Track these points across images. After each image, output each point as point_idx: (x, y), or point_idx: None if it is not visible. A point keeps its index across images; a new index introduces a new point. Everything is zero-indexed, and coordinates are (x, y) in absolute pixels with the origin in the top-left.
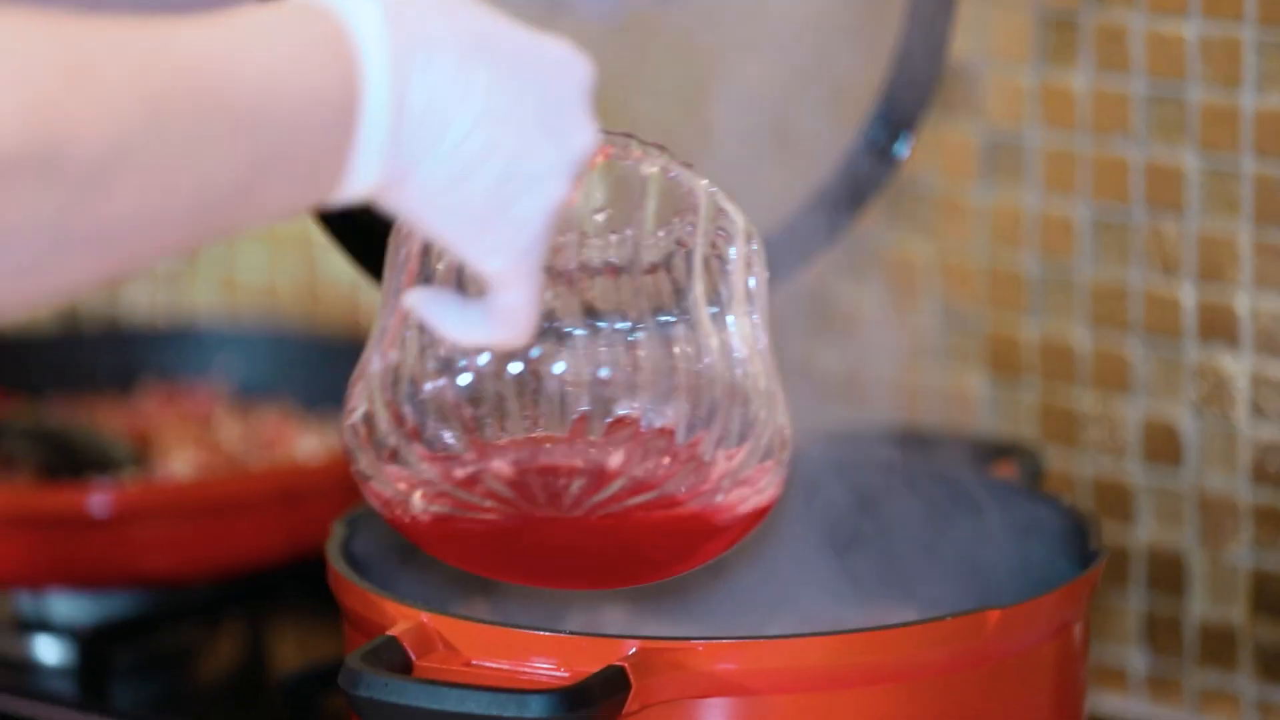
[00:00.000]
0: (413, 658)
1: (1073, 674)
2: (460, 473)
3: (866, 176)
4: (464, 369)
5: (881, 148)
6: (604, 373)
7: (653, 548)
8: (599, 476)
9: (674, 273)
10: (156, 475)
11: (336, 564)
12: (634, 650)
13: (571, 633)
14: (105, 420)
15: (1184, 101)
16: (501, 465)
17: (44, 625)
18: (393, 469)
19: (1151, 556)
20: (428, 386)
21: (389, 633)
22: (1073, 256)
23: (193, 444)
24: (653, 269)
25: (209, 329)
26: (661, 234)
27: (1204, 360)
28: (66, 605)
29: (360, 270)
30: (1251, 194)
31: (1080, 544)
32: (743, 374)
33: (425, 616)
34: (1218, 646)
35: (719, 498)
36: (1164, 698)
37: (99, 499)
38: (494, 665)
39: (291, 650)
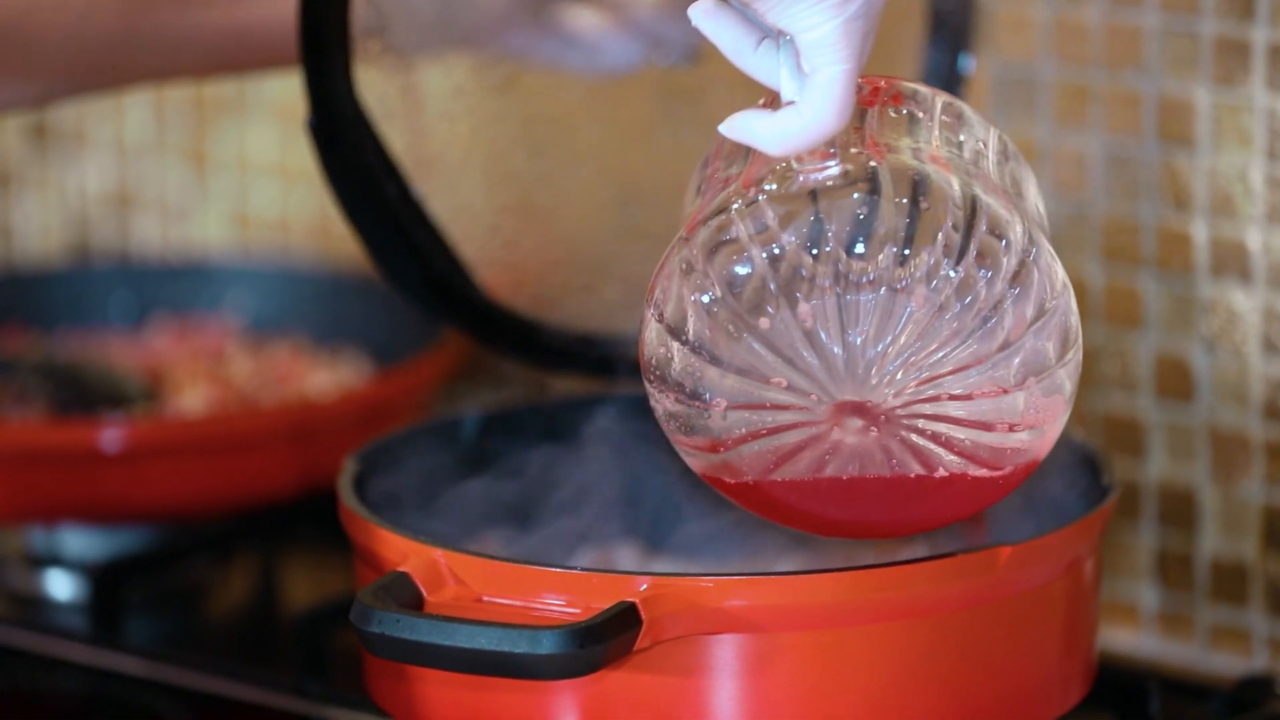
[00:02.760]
0: (424, 594)
1: (1084, 610)
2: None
3: None
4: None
5: (945, 72)
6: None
7: (939, 493)
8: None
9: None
10: (168, 411)
11: (348, 500)
12: (645, 587)
13: (583, 569)
14: (117, 356)
15: (1197, 35)
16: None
17: (56, 561)
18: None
19: (1163, 492)
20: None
21: (400, 569)
22: (1085, 191)
23: (204, 380)
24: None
25: (221, 264)
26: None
27: (1216, 296)
28: (78, 541)
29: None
30: (1264, 128)
31: (1092, 480)
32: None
33: (436, 553)
34: (1229, 582)
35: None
36: (1175, 633)
37: (110, 434)
38: (506, 602)
39: (303, 586)
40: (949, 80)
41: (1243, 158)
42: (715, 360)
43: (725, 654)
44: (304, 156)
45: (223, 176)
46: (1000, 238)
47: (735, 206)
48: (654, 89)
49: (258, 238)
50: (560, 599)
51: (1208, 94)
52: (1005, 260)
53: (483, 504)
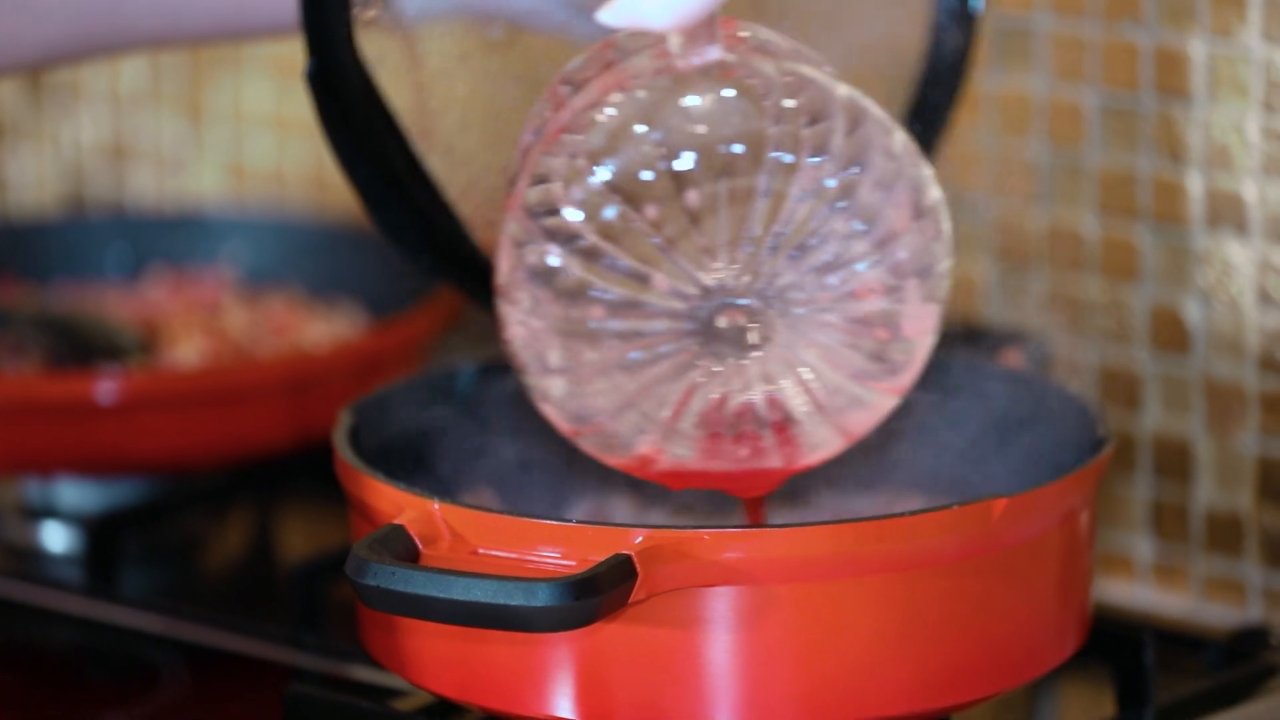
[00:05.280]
0: (419, 546)
1: (1079, 562)
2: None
3: (952, 54)
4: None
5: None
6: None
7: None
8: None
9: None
10: (164, 363)
11: (343, 453)
12: (641, 539)
13: (579, 522)
14: (112, 308)
15: None
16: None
17: (51, 512)
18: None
19: (1158, 444)
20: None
21: (396, 521)
22: (1081, 143)
23: (200, 331)
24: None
25: (216, 216)
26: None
27: (1211, 247)
28: (74, 493)
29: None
30: (1261, 80)
31: (1087, 431)
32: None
33: (432, 505)
34: (1224, 534)
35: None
36: (1170, 585)
37: (106, 386)
38: (501, 554)
39: (299, 538)
40: (960, 18)
41: (1239, 110)
42: (601, 259)
43: (721, 606)
44: (299, 108)
45: (218, 128)
46: (884, 138)
47: (612, 106)
48: None
49: (253, 189)
50: (556, 551)
51: (1204, 46)
52: (885, 162)
53: (478, 456)
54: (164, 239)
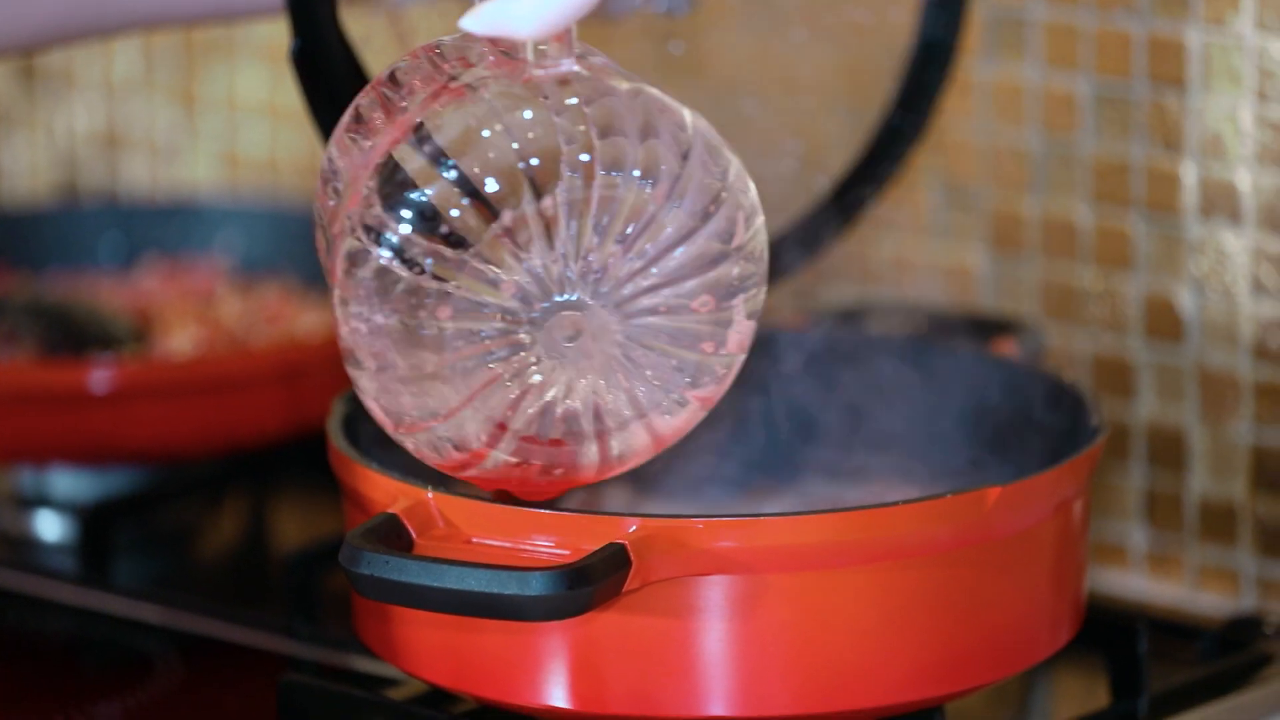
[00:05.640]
0: (413, 535)
1: (1073, 551)
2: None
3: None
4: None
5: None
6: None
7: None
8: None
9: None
10: (157, 352)
11: (337, 441)
12: (635, 528)
13: (573, 511)
14: (106, 297)
15: None
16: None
17: (45, 501)
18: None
19: (1152, 433)
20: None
21: (390, 510)
22: (1074, 132)
23: (194, 320)
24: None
25: (210, 205)
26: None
27: (1205, 236)
28: (68, 482)
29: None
30: (1254, 68)
31: (1081, 420)
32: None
33: (426, 494)
34: (1218, 522)
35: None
36: (1164, 574)
37: (100, 375)
38: (495, 543)
39: (293, 527)
40: (949, 1)
41: (1232, 98)
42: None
43: (714, 595)
44: (293, 96)
45: (212, 116)
46: (716, 161)
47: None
48: (647, 34)
49: (247, 178)
50: (549, 540)
51: (1198, 34)
52: (717, 184)
53: None
54: (158, 228)
